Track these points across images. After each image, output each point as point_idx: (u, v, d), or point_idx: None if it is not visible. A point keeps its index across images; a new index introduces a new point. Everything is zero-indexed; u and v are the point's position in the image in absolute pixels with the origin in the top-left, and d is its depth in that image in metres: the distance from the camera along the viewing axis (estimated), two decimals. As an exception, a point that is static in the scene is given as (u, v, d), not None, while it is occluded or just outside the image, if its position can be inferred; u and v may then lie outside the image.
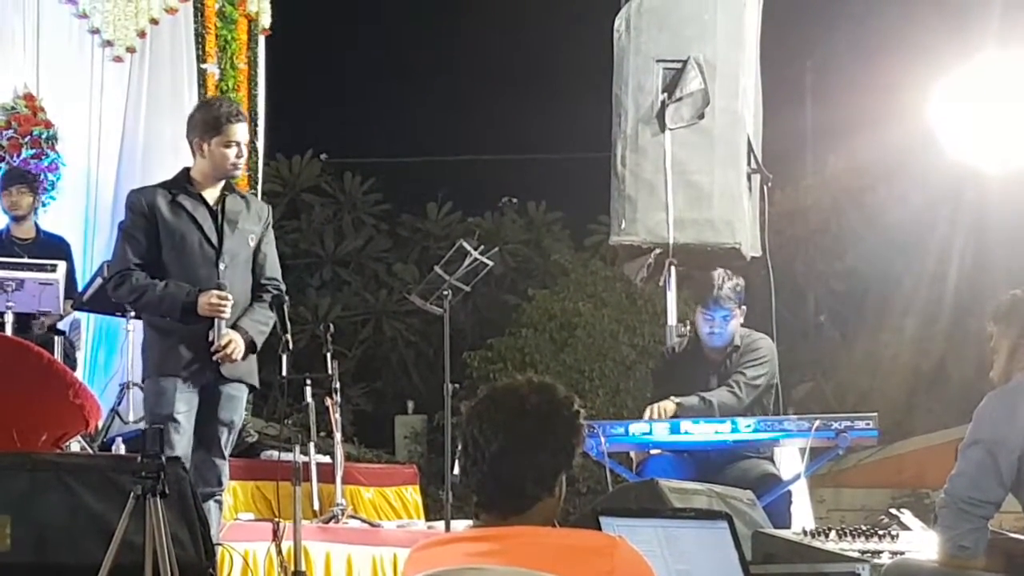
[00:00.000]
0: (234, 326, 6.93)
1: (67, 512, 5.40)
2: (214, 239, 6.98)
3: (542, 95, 21.06)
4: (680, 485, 6.41)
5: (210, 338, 6.85)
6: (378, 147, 23.14)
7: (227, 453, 7.06)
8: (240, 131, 7.10)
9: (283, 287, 7.26)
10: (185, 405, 6.82)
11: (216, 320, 6.86)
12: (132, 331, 9.00)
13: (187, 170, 7.15)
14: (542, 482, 3.64)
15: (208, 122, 7.04)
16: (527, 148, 22.82)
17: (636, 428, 7.65)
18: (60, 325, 9.63)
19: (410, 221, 23.19)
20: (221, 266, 6.96)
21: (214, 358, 6.88)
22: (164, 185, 7.10)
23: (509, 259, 21.54)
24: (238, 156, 7.09)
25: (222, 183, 7.12)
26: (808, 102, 20.62)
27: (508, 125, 22.07)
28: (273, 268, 7.26)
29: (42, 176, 10.60)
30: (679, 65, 8.30)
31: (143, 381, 7.02)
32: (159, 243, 6.94)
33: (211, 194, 7.07)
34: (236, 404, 7.07)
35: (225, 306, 6.84)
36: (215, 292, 6.84)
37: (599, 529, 4.72)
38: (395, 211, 23.15)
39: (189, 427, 6.82)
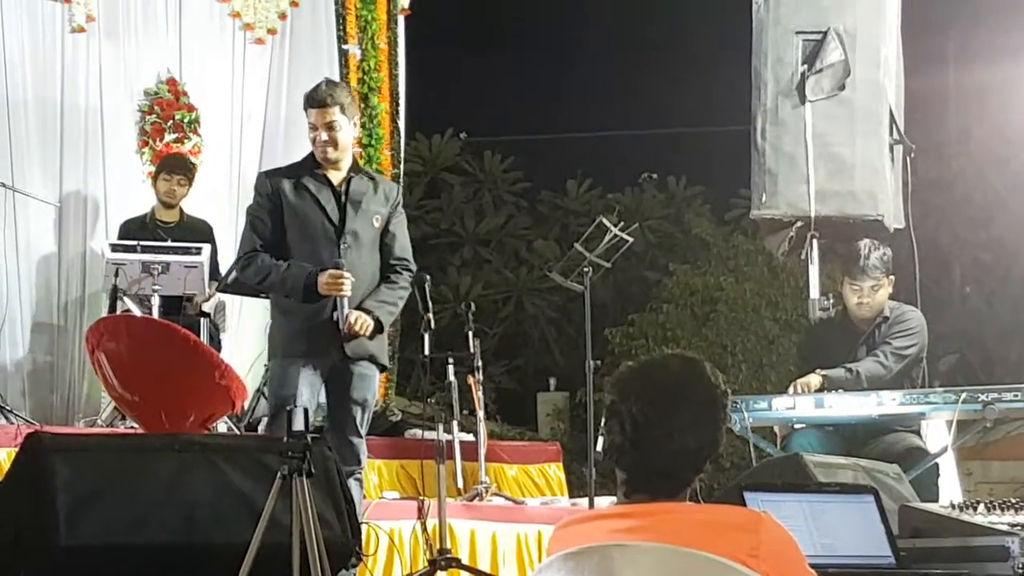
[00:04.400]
0: (360, 307, 6.97)
1: (215, 492, 5.46)
2: (336, 219, 7.02)
3: (681, 69, 20.93)
4: (825, 459, 6.35)
5: (334, 318, 6.90)
6: (517, 125, 23.15)
7: (363, 432, 7.10)
8: (317, 114, 7.09)
9: (413, 267, 7.29)
10: (308, 388, 6.88)
11: (338, 299, 6.89)
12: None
13: (312, 153, 7.22)
14: (695, 467, 3.61)
15: (304, 107, 7.13)
16: (667, 123, 22.71)
17: (779, 403, 7.60)
18: (205, 307, 9.76)
19: (550, 198, 23.17)
20: (343, 246, 6.99)
21: (342, 336, 6.92)
22: (292, 167, 7.20)
23: (649, 235, 21.44)
24: (323, 140, 7.07)
25: (347, 165, 7.15)
26: (951, 70, 20.28)
27: (647, 100, 21.99)
28: (403, 249, 7.29)
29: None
30: (819, 36, 8.22)
31: (269, 362, 7.07)
32: (283, 225, 7.01)
33: (336, 176, 7.11)
34: (368, 383, 7.09)
35: (343, 283, 6.87)
36: (332, 271, 6.87)
37: (744, 504, 4.69)
38: (535, 189, 23.14)
39: (304, 410, 6.87)
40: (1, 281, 10.19)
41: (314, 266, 6.92)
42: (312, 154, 7.19)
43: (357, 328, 6.93)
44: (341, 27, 11.87)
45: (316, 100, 7.13)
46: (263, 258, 6.97)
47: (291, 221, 7.02)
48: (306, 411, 5.25)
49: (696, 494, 3.70)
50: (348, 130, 7.17)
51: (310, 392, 6.90)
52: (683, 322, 18.06)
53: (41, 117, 10.59)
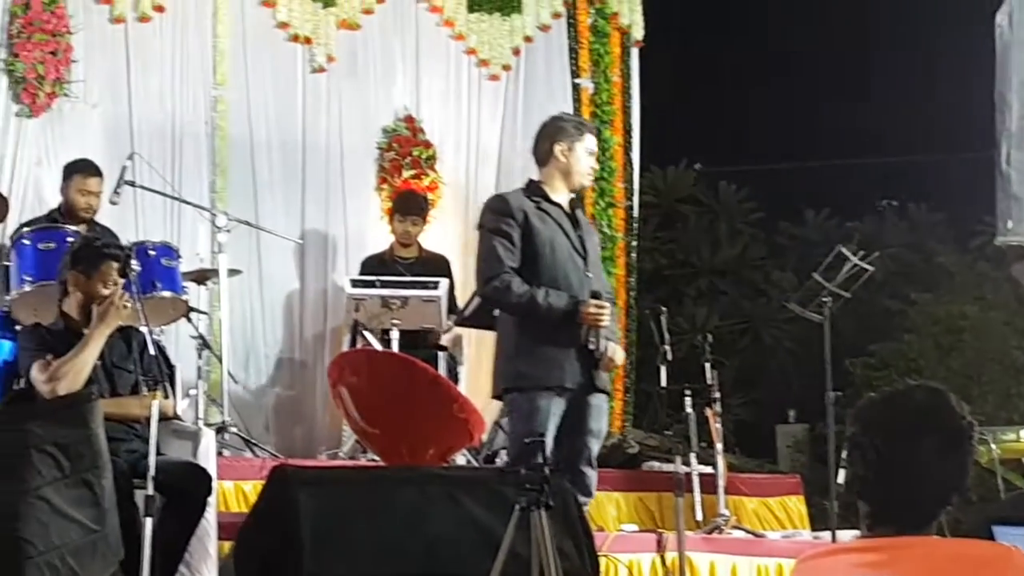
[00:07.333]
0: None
1: (454, 524, 5.50)
2: (579, 247, 7.04)
3: (919, 93, 20.55)
4: (1078, 492, 6.16)
5: (589, 347, 6.88)
6: (752, 154, 22.95)
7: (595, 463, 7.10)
8: (595, 142, 7.27)
9: (615, 299, 7.38)
10: (555, 420, 6.85)
11: (593, 329, 6.88)
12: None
13: (536, 181, 7.23)
14: (941, 500, 3.53)
15: (571, 129, 7.15)
16: (906, 149, 22.29)
17: (1029, 434, 7.41)
18: (443, 340, 9.84)
19: (787, 228, 22.91)
20: (589, 274, 7.02)
21: (600, 368, 6.92)
22: (526, 192, 7.18)
23: (890, 263, 21.07)
24: (591, 167, 7.25)
25: (568, 194, 7.18)
26: None
27: (885, 126, 21.62)
28: (606, 282, 7.41)
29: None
30: (1065, 57, 8.04)
31: (506, 391, 7.04)
32: (530, 248, 7.00)
33: (564, 204, 7.15)
34: (603, 414, 7.10)
35: (605, 314, 6.87)
36: (595, 301, 6.87)
37: (991, 539, 4.57)
38: (771, 218, 22.90)
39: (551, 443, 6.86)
40: (246, 317, 10.42)
41: (567, 294, 6.94)
42: (535, 183, 7.21)
43: (618, 361, 6.97)
44: (574, 61, 11.92)
45: (593, 127, 7.26)
46: (516, 282, 6.91)
47: (540, 246, 6.99)
48: (543, 443, 5.25)
49: (942, 528, 3.62)
50: None
51: (555, 424, 6.87)
52: (926, 352, 17.69)
53: (283, 156, 10.84)
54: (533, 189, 7.18)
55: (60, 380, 6.36)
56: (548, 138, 7.20)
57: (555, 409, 6.85)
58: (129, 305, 6.57)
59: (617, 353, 7.00)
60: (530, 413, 6.81)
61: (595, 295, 6.90)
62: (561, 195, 7.16)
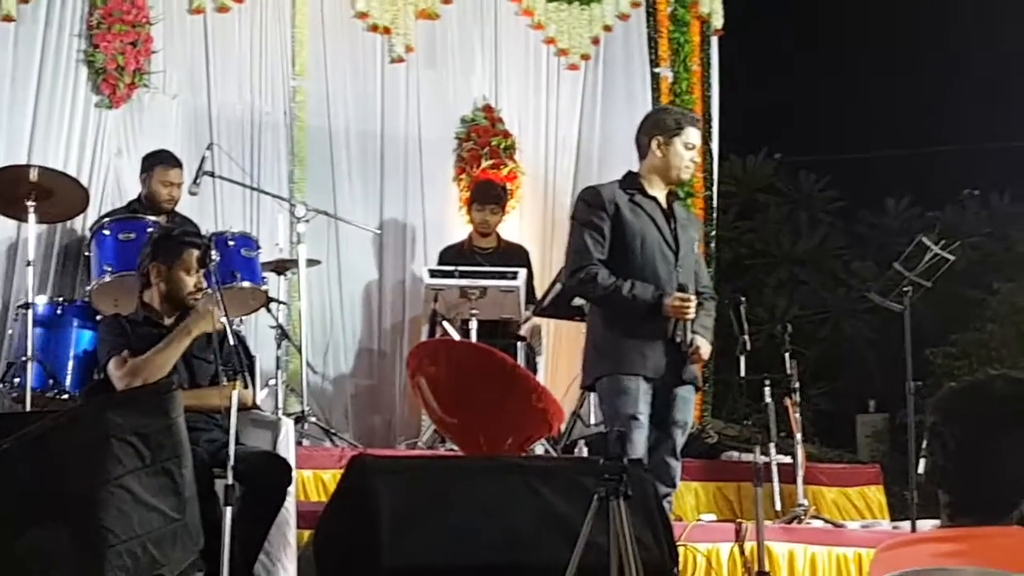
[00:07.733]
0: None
1: (533, 513, 5.51)
2: (671, 241, 7.04)
3: (1002, 82, 20.35)
4: None
5: (676, 339, 6.90)
6: (832, 143, 22.80)
7: (679, 454, 7.10)
8: (697, 136, 7.25)
9: (715, 296, 7.33)
10: (645, 405, 6.86)
11: (680, 322, 6.89)
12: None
13: (634, 173, 7.23)
14: (1023, 490, 3.50)
15: (670, 123, 7.14)
16: (988, 138, 22.08)
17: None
18: (521, 331, 9.84)
19: (867, 217, 22.75)
20: (679, 268, 7.02)
21: (689, 360, 6.93)
22: (620, 184, 7.19)
23: (971, 252, 20.87)
24: (692, 160, 7.16)
25: (666, 187, 7.18)
26: None
27: (966, 115, 21.43)
28: (706, 277, 7.39)
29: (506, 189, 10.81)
30: None
31: (596, 380, 7.06)
32: (619, 239, 7.01)
33: (660, 197, 7.14)
34: (689, 406, 7.12)
35: (690, 307, 6.88)
36: (680, 295, 6.88)
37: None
38: (851, 208, 22.74)
39: (647, 426, 6.86)
40: (325, 307, 10.46)
41: (653, 286, 6.93)
42: (633, 175, 7.22)
43: (704, 355, 6.97)
44: (653, 50, 11.87)
45: (697, 120, 7.28)
46: (602, 273, 6.97)
47: (630, 238, 7.03)
48: (625, 434, 5.23)
49: (1023, 518, 3.58)
50: None
51: (646, 411, 6.90)
52: (1008, 341, 17.54)
53: (362, 146, 10.85)
54: (629, 181, 7.20)
55: (137, 377, 6.40)
56: (647, 132, 7.22)
57: (646, 395, 6.88)
58: (221, 319, 6.46)
59: (704, 347, 6.99)
60: (618, 394, 6.88)
61: (681, 288, 6.90)
62: (658, 189, 7.17)
